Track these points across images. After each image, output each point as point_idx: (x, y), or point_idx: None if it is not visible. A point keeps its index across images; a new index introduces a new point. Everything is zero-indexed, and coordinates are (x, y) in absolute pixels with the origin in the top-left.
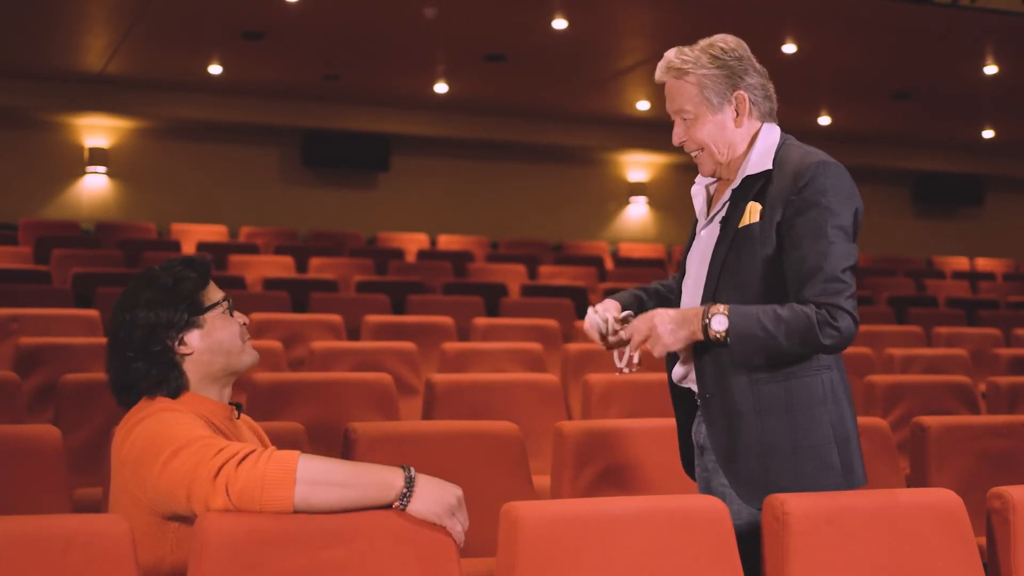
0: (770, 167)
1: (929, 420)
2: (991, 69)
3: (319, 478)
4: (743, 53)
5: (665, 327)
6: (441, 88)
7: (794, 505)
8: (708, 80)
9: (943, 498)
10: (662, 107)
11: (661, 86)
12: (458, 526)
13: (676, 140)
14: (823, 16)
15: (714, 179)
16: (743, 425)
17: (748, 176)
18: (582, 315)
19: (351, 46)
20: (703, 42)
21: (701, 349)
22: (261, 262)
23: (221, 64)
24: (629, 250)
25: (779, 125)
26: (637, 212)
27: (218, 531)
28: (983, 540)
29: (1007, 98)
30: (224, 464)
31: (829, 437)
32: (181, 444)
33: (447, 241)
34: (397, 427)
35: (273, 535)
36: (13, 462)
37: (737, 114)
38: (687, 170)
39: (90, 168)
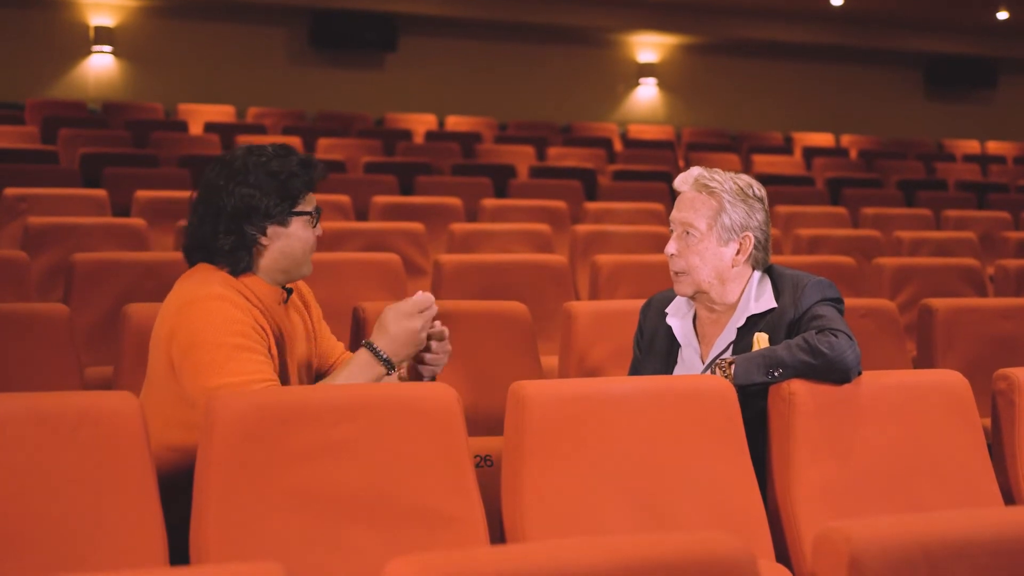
0: (774, 305)
1: (937, 302)
2: None
3: None
4: (762, 194)
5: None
6: None
7: (800, 386)
8: (729, 207)
9: (949, 379)
10: None
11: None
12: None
13: (667, 251)
14: None
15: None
16: None
17: (752, 315)
18: (591, 196)
19: None
20: (729, 172)
21: None
22: (269, 142)
23: None
24: (638, 132)
25: (791, 3)
26: (646, 94)
27: (228, 408)
28: (988, 421)
29: None
30: (224, 385)
31: None
32: (211, 346)
33: (455, 122)
34: None
35: (283, 411)
36: (24, 340)
37: (738, 252)
38: (698, 51)
39: (96, 48)
